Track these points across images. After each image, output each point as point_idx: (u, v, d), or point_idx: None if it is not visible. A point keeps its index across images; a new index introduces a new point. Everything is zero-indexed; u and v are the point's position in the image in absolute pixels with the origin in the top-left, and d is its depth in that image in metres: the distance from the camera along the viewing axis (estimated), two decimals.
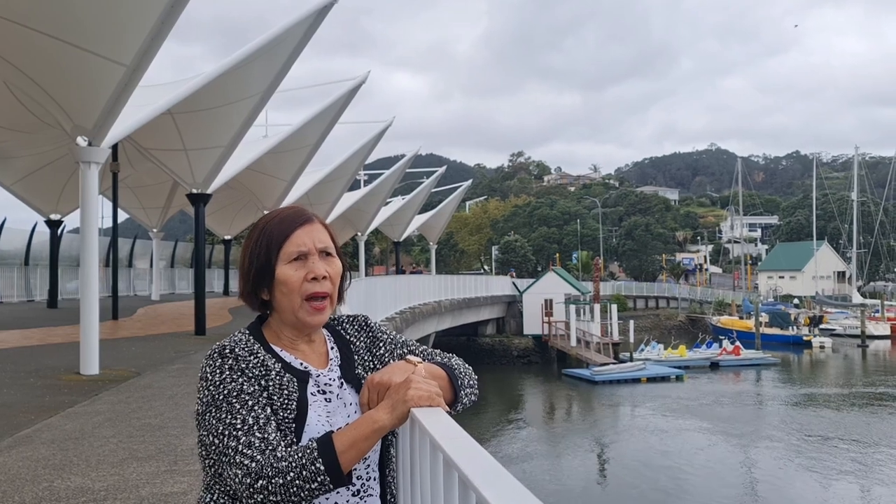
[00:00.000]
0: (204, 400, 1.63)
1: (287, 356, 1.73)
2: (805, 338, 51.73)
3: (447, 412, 1.60)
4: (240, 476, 1.51)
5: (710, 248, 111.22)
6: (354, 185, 41.54)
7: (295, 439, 1.62)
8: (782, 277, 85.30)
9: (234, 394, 1.60)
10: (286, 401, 1.64)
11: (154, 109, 15.53)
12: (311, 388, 1.71)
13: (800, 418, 27.85)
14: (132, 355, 13.77)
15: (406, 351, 1.88)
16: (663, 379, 36.67)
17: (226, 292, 40.34)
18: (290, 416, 1.63)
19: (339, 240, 1.86)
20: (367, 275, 48.15)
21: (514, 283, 51.13)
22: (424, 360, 1.79)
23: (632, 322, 48.61)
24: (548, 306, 45.98)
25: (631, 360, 39.89)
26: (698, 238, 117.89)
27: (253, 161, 23.16)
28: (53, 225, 26.30)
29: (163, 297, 35.18)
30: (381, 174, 43.29)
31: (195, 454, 6.31)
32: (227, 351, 1.66)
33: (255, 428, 1.56)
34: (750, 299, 59.66)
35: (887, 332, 55.48)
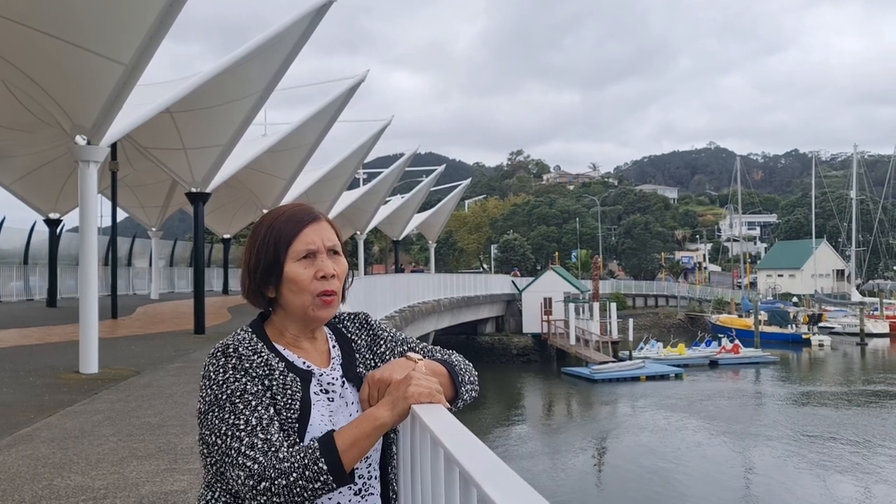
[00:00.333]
0: (207, 399, 1.62)
1: (290, 355, 1.73)
2: (804, 336, 51.75)
3: (448, 409, 1.60)
4: (242, 478, 1.51)
5: (709, 246, 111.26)
6: (353, 184, 41.54)
7: (298, 439, 1.61)
8: (781, 276, 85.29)
9: (238, 393, 1.59)
10: (290, 401, 1.64)
11: (153, 108, 15.52)
12: (313, 387, 1.70)
13: (799, 416, 27.87)
14: (131, 354, 13.76)
15: (406, 348, 1.87)
16: (662, 377, 36.68)
17: (225, 291, 40.32)
18: (293, 416, 1.63)
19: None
20: (366, 273, 48.16)
21: (513, 282, 51.13)
22: (425, 357, 1.79)
23: (631, 320, 48.60)
24: (547, 305, 46.01)
25: (630, 358, 39.92)
26: (697, 236, 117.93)
27: (252, 160, 23.16)
28: (52, 224, 26.28)
29: (162, 295, 35.18)
30: (380, 173, 43.29)
31: (195, 452, 6.33)
32: (231, 350, 1.65)
33: (259, 429, 1.55)
34: (749, 298, 59.70)
35: (886, 330, 55.49)
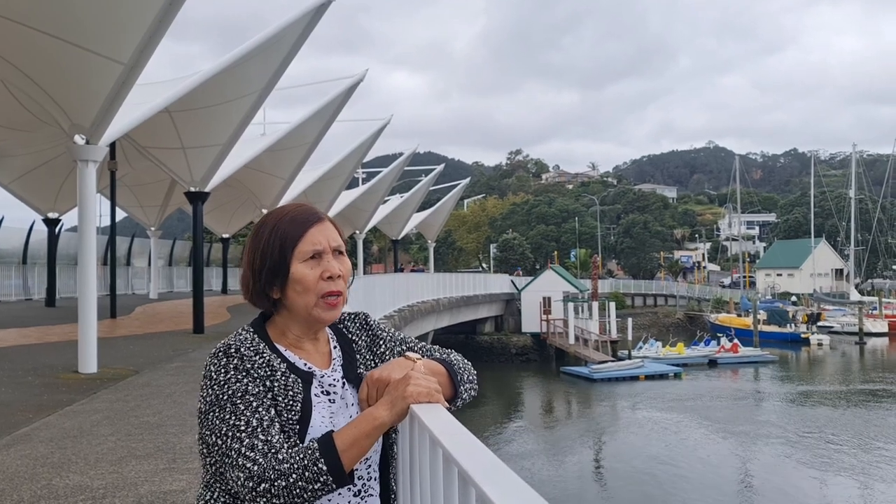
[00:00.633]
0: (207, 399, 1.61)
1: (291, 356, 1.72)
2: (803, 335, 51.77)
3: (447, 408, 1.60)
4: (242, 479, 1.51)
5: (708, 245, 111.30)
6: (352, 184, 41.53)
7: (298, 441, 1.61)
8: (780, 275, 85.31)
9: (239, 394, 1.58)
10: (291, 402, 1.63)
11: (152, 107, 15.51)
12: (314, 388, 1.70)
13: (797, 415, 27.89)
14: (130, 354, 13.76)
15: (405, 348, 1.87)
16: (661, 376, 36.69)
17: (224, 291, 40.30)
18: (294, 418, 1.63)
19: None
20: (365, 273, 48.15)
21: (512, 281, 51.15)
22: (423, 357, 1.78)
23: (630, 320, 48.67)
24: (546, 304, 46.01)
25: (629, 357, 39.93)
26: (696, 236, 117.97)
27: (251, 159, 23.15)
28: (51, 223, 26.25)
29: (161, 295, 35.17)
30: (379, 172, 43.30)
31: (194, 452, 6.33)
32: (233, 350, 1.64)
33: (259, 430, 1.55)
34: (748, 297, 59.73)
35: (885, 329, 55.50)
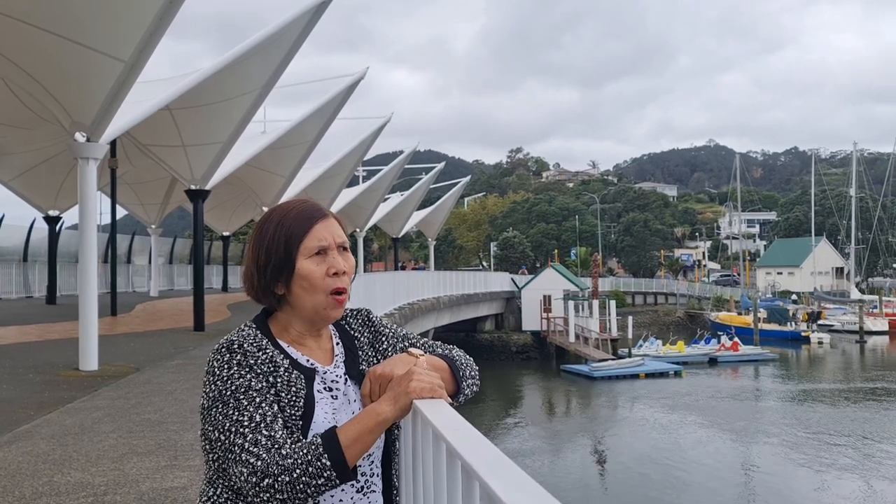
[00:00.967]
0: (210, 395, 1.61)
1: (293, 352, 1.72)
2: (803, 333, 51.73)
3: (449, 403, 1.60)
4: (245, 474, 1.51)
5: (708, 244, 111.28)
6: (353, 182, 41.50)
7: (301, 437, 1.61)
8: (780, 273, 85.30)
9: (242, 390, 1.58)
10: (294, 398, 1.63)
11: (152, 105, 15.51)
12: (317, 385, 1.70)
13: (798, 414, 27.89)
14: (131, 351, 13.76)
15: (408, 344, 1.87)
16: (661, 375, 36.68)
17: (224, 288, 40.29)
18: (297, 414, 1.63)
19: None
20: (366, 271, 48.15)
21: (512, 279, 51.13)
22: (426, 353, 1.79)
23: (630, 318, 48.66)
24: (546, 302, 46.00)
25: (629, 355, 39.90)
26: (697, 234, 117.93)
27: (251, 157, 23.15)
28: (52, 221, 26.26)
29: (161, 293, 35.17)
30: (379, 170, 43.28)
31: (195, 449, 6.34)
32: (236, 346, 1.64)
33: (262, 425, 1.55)
34: (748, 295, 59.70)
35: (885, 327, 55.45)
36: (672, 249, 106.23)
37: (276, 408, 1.60)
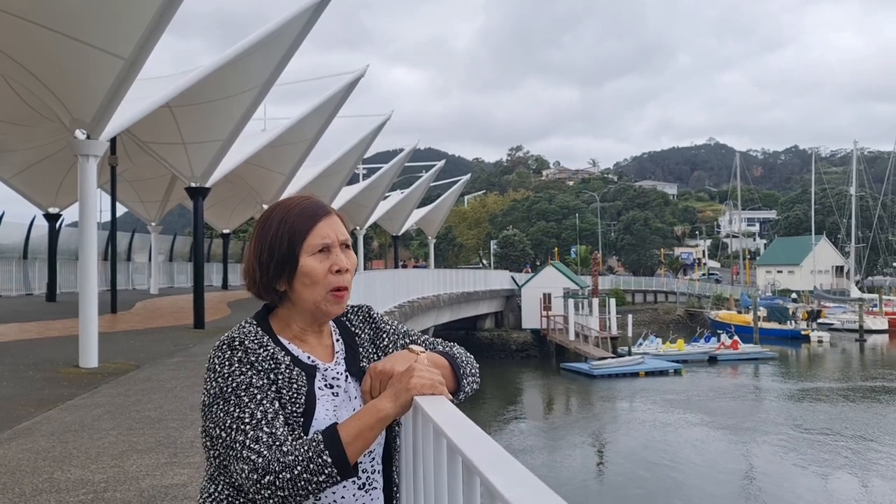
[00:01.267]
0: (211, 392, 1.61)
1: (294, 349, 1.72)
2: (803, 332, 51.75)
3: (450, 400, 1.60)
4: (246, 471, 1.50)
5: (708, 242, 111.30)
6: (353, 179, 41.48)
7: (302, 434, 1.60)
8: (780, 272, 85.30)
9: (243, 387, 1.58)
10: (295, 395, 1.63)
11: (152, 102, 15.50)
12: (318, 382, 1.70)
13: (797, 412, 27.90)
14: (131, 348, 13.77)
15: (408, 341, 1.87)
16: (661, 373, 36.69)
17: (224, 286, 40.29)
18: (298, 411, 1.62)
19: None
20: (365, 269, 48.16)
21: (512, 278, 51.12)
22: (426, 350, 1.78)
23: (630, 316, 48.68)
24: (546, 300, 45.99)
25: (629, 354, 39.91)
26: (697, 233, 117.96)
27: (251, 155, 23.13)
28: (52, 218, 26.26)
29: (161, 290, 35.18)
30: (379, 168, 43.24)
31: (195, 446, 6.35)
32: (237, 343, 1.64)
33: (264, 422, 1.54)
34: (748, 293, 59.70)
35: (885, 326, 55.46)
36: (672, 248, 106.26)
37: (277, 405, 1.59)
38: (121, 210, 28.44)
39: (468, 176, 64.98)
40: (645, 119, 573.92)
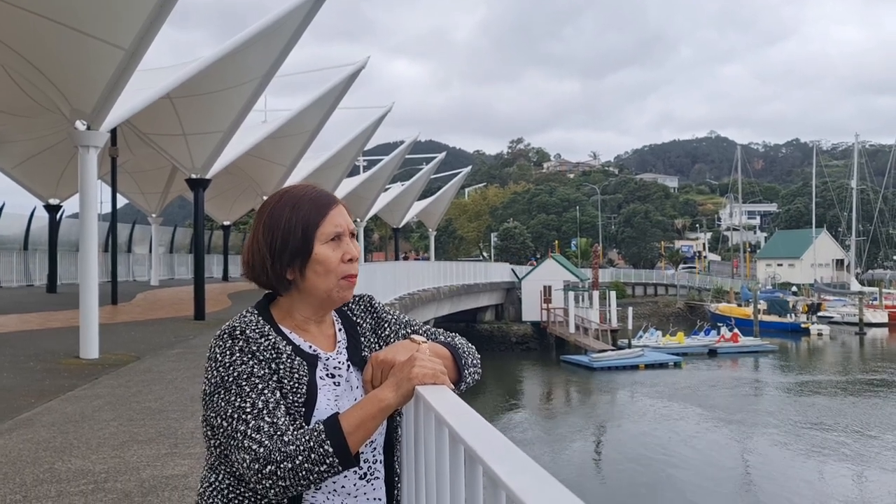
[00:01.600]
0: (212, 381, 1.60)
1: (296, 338, 1.71)
2: (803, 325, 51.78)
3: (452, 390, 1.60)
4: (248, 461, 1.50)
5: (708, 235, 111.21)
6: (353, 171, 41.47)
7: (304, 424, 1.60)
8: (781, 265, 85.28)
9: (245, 376, 1.58)
10: (296, 384, 1.63)
11: (153, 93, 15.47)
12: (319, 371, 1.69)
13: (797, 405, 27.95)
14: (132, 340, 13.78)
15: (410, 331, 1.86)
16: (661, 366, 36.74)
17: (225, 278, 40.30)
18: (299, 401, 1.62)
19: None
20: (366, 261, 48.15)
21: (512, 270, 51.13)
22: (428, 340, 1.78)
23: (630, 309, 48.67)
24: (546, 293, 46.00)
25: (629, 346, 39.96)
26: (697, 225, 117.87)
27: (252, 146, 23.11)
28: (52, 210, 26.24)
29: (162, 282, 35.19)
30: (380, 160, 43.20)
31: (195, 437, 6.36)
32: (238, 332, 1.63)
33: (265, 412, 1.54)
34: (748, 286, 59.70)
35: (885, 319, 55.46)
36: (672, 241, 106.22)
37: (278, 394, 1.59)
38: (121, 201, 28.38)
39: (469, 168, 64.93)
40: (646, 112, 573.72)
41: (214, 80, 16.71)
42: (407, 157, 45.74)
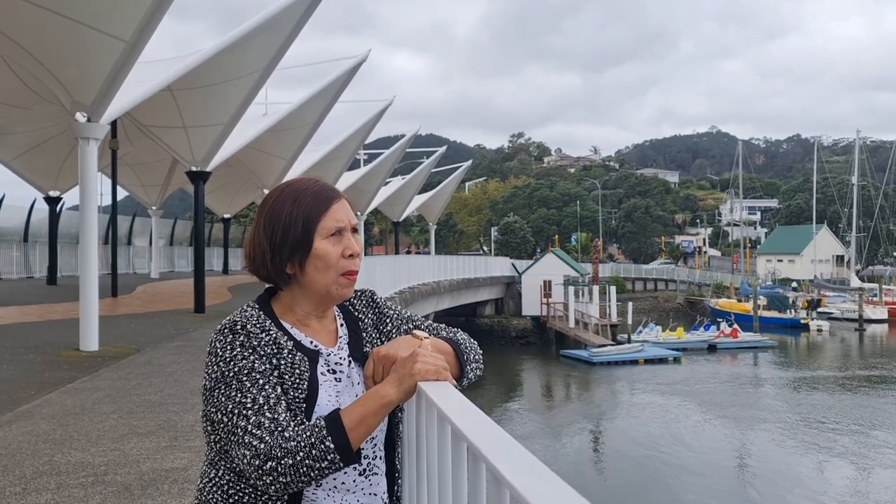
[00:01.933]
0: (213, 376, 1.59)
1: (297, 334, 1.70)
2: (803, 321, 51.78)
3: (454, 386, 1.58)
4: (248, 457, 1.49)
5: (709, 230, 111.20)
6: (354, 165, 41.42)
7: (305, 420, 1.59)
8: (781, 261, 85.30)
9: (245, 371, 1.56)
10: (297, 380, 1.61)
11: (153, 85, 15.44)
12: (321, 367, 1.68)
13: (796, 401, 27.97)
14: (131, 332, 13.78)
15: (412, 326, 1.85)
16: (661, 361, 36.75)
17: (225, 271, 40.30)
18: (300, 396, 1.61)
19: None
20: (366, 255, 48.12)
21: (513, 265, 51.13)
22: (430, 335, 1.77)
23: (630, 304, 48.67)
24: (546, 288, 46.00)
25: (629, 341, 39.96)
26: (697, 221, 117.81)
27: (253, 139, 23.07)
28: (52, 202, 26.22)
29: (162, 274, 35.18)
30: (380, 154, 43.18)
31: (195, 430, 6.35)
32: (239, 327, 1.62)
33: (266, 408, 1.53)
34: (748, 282, 59.71)
35: (884, 316, 55.50)
36: (673, 236, 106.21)
37: (279, 390, 1.58)
38: (121, 194, 28.40)
39: (469, 162, 64.93)
40: (646, 106, 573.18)
41: (215, 72, 16.68)
42: (407, 150, 45.68)
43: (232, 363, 1.58)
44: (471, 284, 40.10)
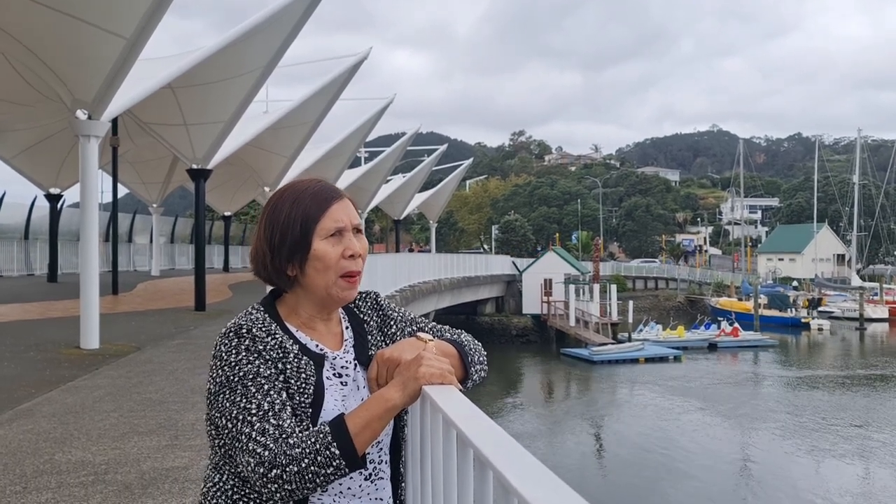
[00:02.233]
0: (218, 380, 1.57)
1: (303, 337, 1.68)
2: (803, 320, 51.76)
3: (459, 389, 1.57)
4: (253, 465, 1.47)
5: (710, 229, 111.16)
6: (355, 163, 41.43)
7: (311, 424, 1.57)
8: (782, 260, 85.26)
9: (250, 376, 1.54)
10: (303, 385, 1.59)
11: (154, 83, 15.43)
12: (326, 371, 1.66)
13: (797, 400, 27.96)
14: (132, 330, 13.77)
15: (416, 328, 1.83)
16: (661, 359, 36.74)
17: (226, 268, 40.30)
18: (307, 401, 1.59)
19: None
20: (368, 253, 48.06)
21: (513, 263, 51.13)
22: (434, 338, 1.75)
23: (631, 302, 48.65)
24: (547, 286, 45.98)
25: (629, 340, 39.94)
26: (698, 219, 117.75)
27: (253, 137, 23.06)
28: (53, 199, 26.21)
29: (163, 272, 35.19)
30: (381, 152, 43.17)
31: (196, 429, 6.34)
32: (244, 331, 1.60)
33: (270, 414, 1.51)
34: (749, 281, 59.68)
35: (885, 315, 55.46)
36: (673, 234, 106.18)
37: (284, 395, 1.56)
38: (122, 191, 28.33)
39: (470, 160, 64.94)
40: (647, 105, 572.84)
41: (216, 70, 16.66)
42: (408, 148, 45.69)
43: (237, 367, 1.56)
44: (471, 283, 40.07)
